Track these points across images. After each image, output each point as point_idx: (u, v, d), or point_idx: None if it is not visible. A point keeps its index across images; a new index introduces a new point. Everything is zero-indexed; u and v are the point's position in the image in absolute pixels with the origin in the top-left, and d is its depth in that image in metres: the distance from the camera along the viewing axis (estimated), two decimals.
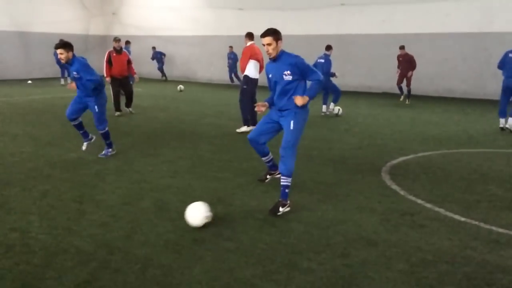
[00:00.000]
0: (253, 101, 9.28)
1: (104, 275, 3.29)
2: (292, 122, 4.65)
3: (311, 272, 3.39)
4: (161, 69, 23.21)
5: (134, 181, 5.67)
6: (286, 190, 4.70)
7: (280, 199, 4.69)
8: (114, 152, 6.98)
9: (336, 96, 11.91)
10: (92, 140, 7.19)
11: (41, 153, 7.00)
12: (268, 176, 5.48)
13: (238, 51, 21.08)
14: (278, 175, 5.13)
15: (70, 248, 3.70)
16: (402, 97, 15.40)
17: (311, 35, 18.81)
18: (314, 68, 4.74)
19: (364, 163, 6.82)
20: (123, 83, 11.25)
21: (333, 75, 11.84)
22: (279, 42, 4.60)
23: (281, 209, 4.62)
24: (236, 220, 4.41)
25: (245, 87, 9.39)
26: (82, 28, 24.64)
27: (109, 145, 6.94)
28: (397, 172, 6.33)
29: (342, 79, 18.93)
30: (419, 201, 5.09)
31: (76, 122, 6.85)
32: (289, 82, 4.64)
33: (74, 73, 6.46)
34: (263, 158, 5.33)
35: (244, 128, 9.26)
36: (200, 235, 4.02)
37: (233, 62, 21.02)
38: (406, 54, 14.98)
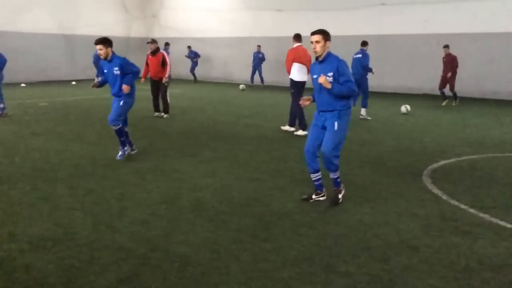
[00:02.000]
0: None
1: (145, 271, 3.36)
2: (336, 123, 4.76)
3: (349, 276, 3.34)
4: (192, 70, 23.42)
5: (173, 180, 5.77)
6: (338, 180, 4.99)
7: (334, 188, 4.98)
8: (131, 152, 6.87)
9: (364, 99, 11.47)
10: (133, 152, 6.99)
11: (85, 152, 7.23)
12: (314, 197, 5.06)
13: (276, 53, 21.25)
14: (323, 198, 5.05)
15: (112, 244, 3.81)
16: (445, 102, 14.77)
17: (349, 35, 18.54)
18: (351, 79, 4.77)
19: (404, 166, 6.67)
20: (158, 85, 11.33)
21: (370, 70, 11.63)
22: (327, 42, 4.78)
23: (339, 196, 4.95)
24: (273, 221, 4.41)
25: (292, 91, 9.34)
26: (124, 31, 25.31)
27: (123, 144, 6.76)
28: (439, 176, 6.16)
29: (381, 80, 18.66)
30: (462, 206, 4.93)
31: (117, 127, 6.71)
32: (331, 83, 4.72)
33: (115, 68, 6.47)
34: (313, 175, 5.03)
35: (300, 132, 9.15)
36: (238, 235, 4.05)
37: (258, 61, 20.85)
38: (449, 55, 14.49)
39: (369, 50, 11.99)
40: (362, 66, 11.33)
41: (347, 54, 10.08)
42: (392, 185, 5.69)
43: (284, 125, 9.63)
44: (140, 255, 3.63)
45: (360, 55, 11.53)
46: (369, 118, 11.26)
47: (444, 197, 5.23)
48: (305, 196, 5.10)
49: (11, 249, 3.70)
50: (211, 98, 16.17)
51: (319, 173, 5.01)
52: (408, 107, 12.57)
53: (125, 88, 6.45)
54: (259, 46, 20.82)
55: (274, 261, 3.56)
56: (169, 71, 11.30)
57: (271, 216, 4.55)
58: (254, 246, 3.83)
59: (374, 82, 11.92)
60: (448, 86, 14.65)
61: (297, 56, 9.14)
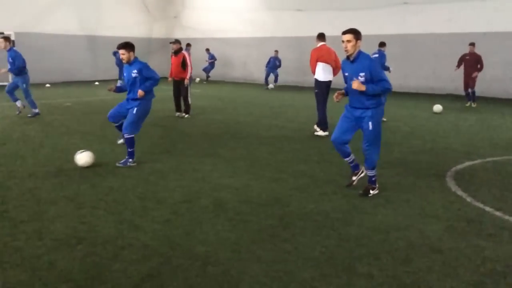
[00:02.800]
0: (325, 104, 9.11)
1: (166, 270, 3.39)
2: (370, 123, 4.99)
3: (371, 278, 3.31)
4: (206, 71, 23.51)
5: (193, 180, 5.81)
6: (373, 179, 5.23)
7: (369, 184, 5.22)
8: (134, 164, 6.46)
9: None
10: (129, 163, 6.55)
11: (107, 151, 7.34)
12: (354, 178, 5.47)
13: (296, 53, 21.20)
14: (363, 174, 5.44)
15: (134, 243, 3.86)
16: (469, 103, 14.42)
17: (371, 35, 18.28)
18: (385, 77, 4.95)
19: (427, 167, 6.57)
20: (179, 86, 11.43)
21: (387, 68, 11.51)
22: (358, 41, 4.90)
23: (371, 191, 5.18)
24: (293, 222, 4.40)
25: (316, 91, 9.22)
26: (145, 32, 25.61)
27: (130, 155, 6.49)
28: (463, 177, 6.04)
29: (404, 80, 18.43)
30: (487, 208, 4.83)
31: (116, 124, 6.78)
32: (363, 83, 4.88)
33: (135, 71, 6.41)
34: (346, 159, 5.43)
35: (320, 133, 9.08)
36: (258, 235, 4.05)
37: (274, 66, 20.74)
38: (474, 53, 14.11)
39: (391, 49, 11.92)
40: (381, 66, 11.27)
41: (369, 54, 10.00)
42: (414, 187, 5.61)
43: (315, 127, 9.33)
44: (162, 253, 3.66)
45: (377, 55, 11.46)
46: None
47: (468, 199, 5.13)
48: (347, 183, 5.49)
49: (37, 246, 3.78)
50: (231, 98, 16.22)
51: (351, 155, 5.37)
52: (441, 107, 12.46)
53: (140, 93, 6.35)
54: (276, 51, 20.79)
55: (295, 262, 3.55)
56: (190, 73, 11.34)
57: (292, 217, 4.54)
58: (274, 247, 3.82)
59: (396, 82, 11.79)
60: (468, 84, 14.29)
61: (321, 56, 9.01)
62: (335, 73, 9.05)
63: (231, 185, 5.58)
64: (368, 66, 4.86)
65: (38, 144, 7.83)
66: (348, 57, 5.03)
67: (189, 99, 11.42)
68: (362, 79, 4.87)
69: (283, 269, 3.43)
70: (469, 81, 14.21)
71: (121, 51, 6.40)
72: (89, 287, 3.14)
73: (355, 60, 4.95)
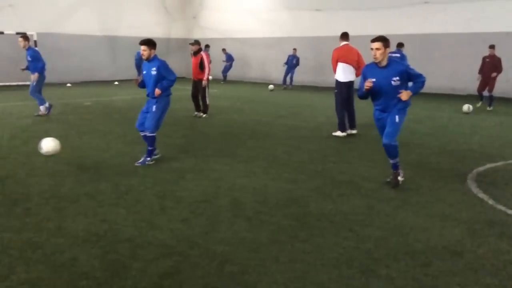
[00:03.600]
0: (349, 104, 9.02)
1: (185, 268, 3.42)
2: (397, 116, 5.23)
3: (390, 280, 3.28)
4: (224, 71, 23.60)
5: (211, 179, 5.84)
6: (397, 164, 5.47)
7: (393, 172, 5.48)
8: (152, 163, 6.56)
9: None
10: (156, 157, 6.75)
11: (127, 150, 7.43)
12: (399, 178, 5.56)
13: (314, 53, 21.12)
14: (402, 178, 5.59)
15: (153, 241, 3.90)
16: (480, 103, 14.04)
17: (390, 35, 18.12)
18: (419, 72, 5.20)
19: (448, 169, 6.47)
20: (198, 86, 11.51)
21: None
22: (387, 49, 5.10)
23: (399, 178, 5.47)
24: (311, 223, 4.39)
25: (336, 91, 9.11)
26: (164, 32, 25.82)
27: (149, 153, 6.58)
28: (485, 179, 5.94)
29: None
30: (509, 211, 4.74)
31: (144, 133, 6.61)
32: (397, 87, 5.13)
33: (153, 68, 6.48)
34: (391, 161, 5.53)
35: (339, 133, 9.00)
36: (276, 236, 4.05)
37: (292, 64, 20.64)
38: (494, 56, 13.78)
39: (411, 49, 11.84)
40: None
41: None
42: (435, 189, 5.54)
43: (335, 131, 9.18)
44: (180, 252, 3.69)
45: (398, 55, 11.32)
46: None
47: (490, 201, 5.04)
48: (390, 181, 5.58)
49: (59, 243, 3.85)
50: (249, 98, 16.25)
51: (397, 158, 5.54)
52: (471, 106, 12.37)
53: (157, 91, 6.41)
54: (295, 49, 20.70)
55: (313, 263, 3.54)
56: (208, 74, 11.37)
57: (310, 217, 4.53)
58: (292, 247, 3.82)
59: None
60: (484, 88, 13.91)
61: (341, 56, 8.86)
62: (357, 73, 8.84)
63: (249, 185, 5.60)
64: (405, 71, 5.12)
65: (60, 143, 7.95)
66: (376, 63, 5.16)
67: (207, 99, 11.48)
68: (396, 83, 5.10)
69: (300, 269, 3.43)
70: (486, 84, 13.84)
71: (142, 47, 6.47)
72: (109, 285, 3.19)
73: (387, 66, 5.14)
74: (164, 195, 5.18)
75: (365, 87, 5.21)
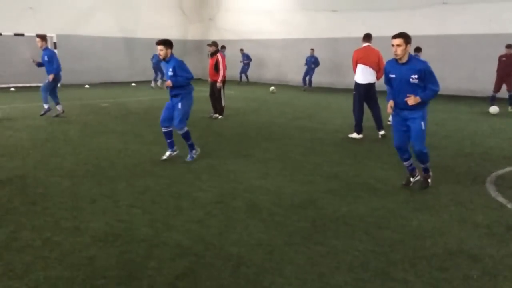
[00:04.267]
0: (372, 106, 8.96)
1: (200, 269, 3.44)
2: (422, 124, 5.23)
3: (406, 284, 3.24)
4: (242, 72, 23.67)
5: (227, 180, 5.85)
6: (427, 168, 5.54)
7: (424, 174, 5.53)
8: (198, 152, 6.99)
9: None
10: (175, 153, 7.00)
11: (144, 151, 7.50)
12: (412, 180, 5.63)
13: (331, 54, 21.02)
14: (418, 177, 5.64)
15: (169, 241, 3.93)
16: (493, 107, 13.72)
17: None
18: (437, 79, 5.12)
19: (466, 172, 6.38)
20: (213, 87, 11.58)
21: None
22: (408, 45, 5.06)
23: (429, 180, 5.53)
24: (326, 225, 4.37)
25: (354, 93, 9.04)
26: (181, 34, 25.99)
27: (191, 147, 6.93)
28: (504, 183, 5.83)
29: (441, 82, 17.87)
30: None
31: (167, 130, 6.86)
32: (415, 85, 5.08)
33: (170, 69, 6.60)
34: (405, 163, 5.60)
35: (355, 135, 8.93)
36: (291, 238, 4.04)
37: (310, 65, 20.53)
38: (511, 56, 13.48)
39: (429, 50, 11.68)
40: None
41: None
42: (452, 192, 5.46)
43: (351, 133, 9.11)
44: (196, 253, 3.71)
45: None
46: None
47: (510, 205, 4.95)
48: (403, 182, 5.65)
49: (76, 242, 3.90)
50: (265, 99, 16.25)
51: (411, 159, 5.55)
52: (497, 108, 12.28)
53: (168, 82, 6.62)
54: (312, 49, 20.61)
55: (328, 265, 3.52)
56: (222, 75, 11.38)
57: (325, 220, 4.50)
58: (307, 249, 3.81)
59: None
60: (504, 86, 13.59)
61: (360, 57, 8.75)
62: (378, 76, 8.73)
63: (264, 186, 5.60)
64: (423, 69, 5.04)
65: (77, 143, 8.09)
66: (396, 60, 5.14)
67: (223, 100, 11.52)
68: (414, 81, 5.06)
69: (316, 272, 3.41)
70: (503, 83, 13.51)
71: (159, 47, 6.57)
72: (125, 284, 3.22)
73: (407, 62, 5.11)
74: (179, 195, 5.21)
75: (388, 110, 5.45)
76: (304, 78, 20.83)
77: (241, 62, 23.52)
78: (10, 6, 19.24)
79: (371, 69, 8.73)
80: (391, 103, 5.35)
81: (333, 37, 20.97)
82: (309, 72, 20.63)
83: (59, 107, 11.15)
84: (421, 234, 4.15)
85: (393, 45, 5.07)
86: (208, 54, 11.77)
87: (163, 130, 6.87)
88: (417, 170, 5.64)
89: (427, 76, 5.07)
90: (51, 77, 10.76)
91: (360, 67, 8.77)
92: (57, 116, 11.06)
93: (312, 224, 4.37)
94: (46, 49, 10.83)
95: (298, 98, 17.08)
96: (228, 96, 12.72)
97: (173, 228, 4.24)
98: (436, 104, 13.50)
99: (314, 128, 10.12)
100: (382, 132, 8.98)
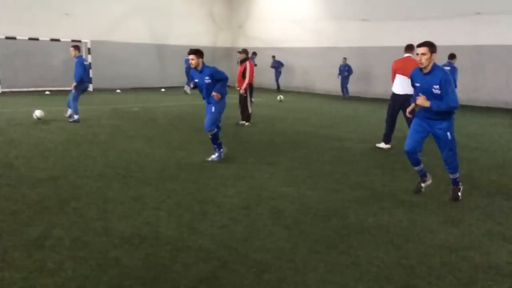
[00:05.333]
0: (409, 118, 8.86)
1: (223, 274, 3.47)
2: (449, 134, 5.18)
3: None
4: (277, 79, 23.82)
5: (252, 187, 5.89)
6: (457, 180, 5.45)
7: (453, 187, 5.46)
8: (225, 151, 7.37)
9: None
10: (222, 154, 7.33)
11: (171, 155, 7.62)
12: (422, 185, 5.66)
13: (361, 63, 20.87)
14: (430, 181, 5.66)
15: (193, 245, 3.98)
16: None
17: (440, 46, 17.68)
18: (455, 92, 5.01)
19: (497, 186, 6.22)
20: (240, 94, 11.67)
21: (455, 87, 10.92)
22: (433, 54, 5.03)
23: (459, 193, 5.43)
24: (351, 235, 4.34)
25: (390, 103, 8.97)
26: (210, 41, 26.34)
27: (219, 146, 7.27)
28: None
29: (474, 93, 17.58)
30: None
31: (215, 131, 7.13)
32: (438, 96, 5.00)
33: (207, 78, 6.97)
34: (416, 168, 5.59)
35: (382, 145, 8.85)
36: (315, 246, 4.04)
37: (343, 74, 20.59)
38: None
39: (461, 61, 11.38)
40: None
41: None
42: (482, 205, 5.33)
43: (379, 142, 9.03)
44: (219, 257, 3.75)
45: (448, 68, 10.85)
46: None
47: None
48: (416, 190, 5.65)
49: (104, 242, 4.00)
50: (292, 107, 16.25)
51: (421, 164, 5.53)
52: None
53: (216, 95, 6.97)
54: (345, 58, 20.57)
55: (351, 276, 3.49)
56: (247, 83, 11.43)
57: (349, 229, 4.48)
58: (331, 258, 3.79)
59: (465, 95, 11.22)
60: None
61: (399, 67, 8.64)
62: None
63: (289, 194, 5.60)
64: (442, 78, 4.95)
65: (108, 146, 8.28)
66: (421, 69, 5.10)
67: (249, 107, 11.62)
68: (436, 91, 4.98)
69: (339, 281, 3.39)
70: None
71: (191, 56, 6.88)
72: (150, 286, 3.28)
73: (430, 72, 5.04)
74: (205, 200, 5.27)
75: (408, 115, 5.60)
76: (342, 88, 20.95)
77: (272, 68, 23.65)
78: (47, 12, 19.95)
79: (409, 80, 8.61)
80: (411, 107, 5.48)
81: (362, 46, 20.83)
82: (345, 80, 20.67)
83: (70, 112, 11.29)
84: (448, 248, 4.07)
85: (417, 54, 5.04)
86: (237, 61, 11.90)
87: (210, 134, 7.20)
88: (428, 175, 5.63)
89: (445, 86, 4.94)
90: (75, 85, 10.94)
91: (398, 77, 8.69)
92: (69, 117, 11.20)
93: (337, 233, 4.35)
94: (79, 57, 11.15)
95: (325, 106, 17.01)
96: (256, 103, 12.79)
97: (198, 232, 4.30)
98: (468, 116, 13.24)
99: (341, 137, 10.06)
100: (384, 146, 8.86)
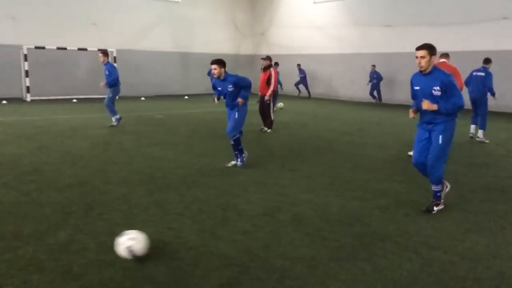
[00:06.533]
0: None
1: (244, 280, 3.49)
2: (440, 137, 4.97)
3: None
4: (296, 85, 23.93)
5: (274, 193, 5.90)
6: (438, 194, 5.21)
7: (433, 200, 5.22)
8: (247, 155, 7.49)
9: (483, 122, 10.48)
10: (245, 158, 7.45)
11: (194, 162, 7.71)
12: (435, 208, 5.26)
13: (384, 69, 20.69)
14: (447, 188, 5.40)
15: (215, 251, 4.02)
16: None
17: (465, 51, 17.42)
18: (460, 93, 4.92)
19: None
20: (262, 101, 11.72)
21: (494, 94, 10.64)
22: (432, 57, 4.96)
23: (435, 208, 5.18)
24: (373, 242, 4.30)
25: None
26: (233, 48, 26.58)
27: (240, 152, 7.38)
28: None
29: (502, 99, 17.11)
30: None
31: (236, 136, 7.27)
32: (438, 97, 4.91)
33: (230, 86, 7.11)
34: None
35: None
36: (337, 253, 4.02)
37: (373, 81, 20.75)
38: None
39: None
40: (485, 86, 10.41)
41: (463, 71, 9.39)
42: (509, 213, 5.21)
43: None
44: (241, 263, 3.77)
45: (483, 74, 10.49)
46: (487, 141, 10.35)
47: None
48: (427, 209, 5.26)
49: None
50: (315, 113, 16.22)
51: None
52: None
53: (241, 101, 7.15)
54: (373, 65, 20.61)
55: (373, 284, 3.46)
56: (272, 90, 11.48)
57: (372, 237, 4.44)
58: (353, 266, 3.76)
59: (492, 101, 10.93)
60: None
61: None
62: None
63: (311, 201, 5.59)
64: (443, 80, 4.88)
65: (132, 153, 8.43)
66: (421, 71, 5.06)
67: (272, 114, 11.64)
68: (436, 92, 4.90)
69: None
70: None
71: (213, 66, 7.03)
72: None
73: (429, 74, 4.99)
74: (227, 206, 5.31)
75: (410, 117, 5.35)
76: (371, 93, 21.14)
77: (299, 76, 23.80)
78: (75, 22, 20.52)
79: None
80: (413, 109, 5.25)
81: (386, 52, 20.66)
82: (375, 87, 20.76)
83: (113, 119, 11.70)
84: (473, 256, 3.99)
85: (417, 57, 4.98)
86: (261, 68, 11.97)
87: (233, 139, 7.31)
88: (445, 181, 5.31)
89: (449, 89, 4.85)
90: (111, 89, 11.35)
91: None
92: (111, 126, 11.59)
93: (359, 241, 4.32)
94: (107, 63, 11.45)
95: (348, 112, 16.90)
96: (279, 110, 12.80)
97: (220, 238, 4.33)
98: (496, 122, 12.95)
99: (364, 143, 9.98)
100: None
